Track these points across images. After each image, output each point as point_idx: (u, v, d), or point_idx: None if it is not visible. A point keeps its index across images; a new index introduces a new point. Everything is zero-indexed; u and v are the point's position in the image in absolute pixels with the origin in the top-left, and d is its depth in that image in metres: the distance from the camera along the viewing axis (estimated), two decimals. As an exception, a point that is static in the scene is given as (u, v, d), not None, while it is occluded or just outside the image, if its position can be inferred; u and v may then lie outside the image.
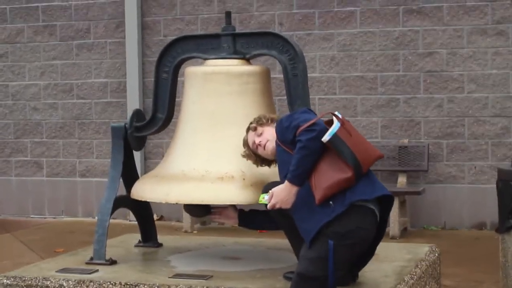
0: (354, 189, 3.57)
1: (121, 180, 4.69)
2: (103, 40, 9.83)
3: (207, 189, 4.15)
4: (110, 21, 9.79)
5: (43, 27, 10.05)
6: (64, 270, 4.31)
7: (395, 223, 8.00)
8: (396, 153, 8.70)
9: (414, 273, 4.26)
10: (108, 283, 4.02)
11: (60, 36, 9.99)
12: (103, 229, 4.50)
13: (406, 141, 8.78)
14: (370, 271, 4.11)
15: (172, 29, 9.51)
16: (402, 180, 8.59)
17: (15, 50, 10.19)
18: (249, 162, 4.11)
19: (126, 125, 4.71)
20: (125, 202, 4.79)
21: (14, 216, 10.10)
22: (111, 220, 4.63)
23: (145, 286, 3.96)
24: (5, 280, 4.20)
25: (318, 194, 3.54)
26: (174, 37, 4.71)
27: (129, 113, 4.92)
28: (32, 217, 10.07)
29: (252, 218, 4.37)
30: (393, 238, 7.95)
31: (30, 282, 4.15)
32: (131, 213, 7.72)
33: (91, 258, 4.49)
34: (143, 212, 5.00)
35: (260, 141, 3.97)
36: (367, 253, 3.83)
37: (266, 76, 4.55)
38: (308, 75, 4.53)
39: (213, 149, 4.30)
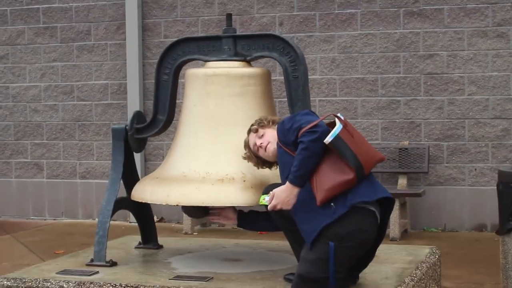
0: (355, 191, 3.57)
1: (121, 181, 4.70)
2: (104, 42, 9.83)
3: (208, 191, 4.15)
4: (111, 23, 9.79)
5: (44, 28, 10.06)
6: (64, 272, 4.32)
7: (396, 225, 8.00)
8: (396, 155, 8.70)
9: (414, 275, 4.26)
10: (109, 284, 4.02)
11: (60, 37, 10.00)
12: (104, 231, 4.50)
13: (406, 143, 8.78)
14: (370, 273, 4.11)
15: (172, 31, 9.51)
16: (402, 182, 8.59)
17: (16, 51, 10.19)
18: (250, 164, 4.11)
19: (127, 127, 4.72)
20: (125, 203, 4.79)
21: (14, 218, 10.10)
22: (112, 222, 4.64)
23: (146, 288, 3.96)
24: (5, 282, 4.20)
25: (320, 196, 3.55)
26: (174, 39, 4.71)
27: (130, 115, 4.93)
28: (32, 218, 10.06)
29: (251, 219, 4.37)
30: (393, 240, 7.94)
31: (30, 283, 4.15)
32: (131, 215, 7.75)
33: (92, 260, 4.49)
34: (144, 213, 5.00)
35: (261, 143, 3.97)
36: (367, 255, 3.83)
37: (266, 78, 4.55)
38: (309, 77, 4.54)
39: (213, 151, 4.30)
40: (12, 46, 10.20)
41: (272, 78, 4.71)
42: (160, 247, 5.02)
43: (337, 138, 3.53)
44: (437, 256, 4.88)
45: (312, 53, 9.03)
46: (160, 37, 9.55)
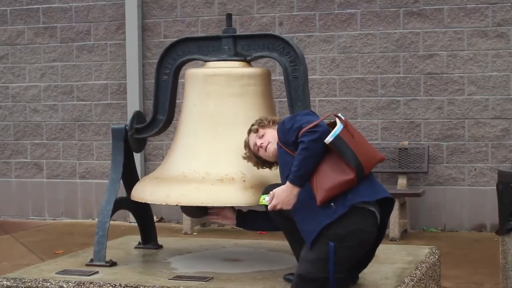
0: (355, 191, 3.57)
1: (121, 181, 4.70)
2: (104, 42, 9.83)
3: (207, 191, 4.15)
4: (111, 23, 9.79)
5: (44, 28, 10.05)
6: (64, 272, 4.32)
7: (395, 225, 8.00)
8: (396, 155, 8.70)
9: (414, 275, 4.26)
10: (108, 284, 4.02)
11: (60, 37, 10.00)
12: (103, 231, 4.50)
13: (406, 143, 8.78)
14: (370, 273, 4.11)
15: (172, 31, 9.51)
16: (402, 182, 8.59)
17: (16, 51, 10.19)
18: (250, 164, 4.11)
19: (127, 127, 4.72)
20: (125, 203, 4.79)
21: (14, 218, 10.10)
22: (111, 222, 4.63)
23: (145, 288, 3.96)
24: (5, 282, 4.19)
25: (320, 196, 3.55)
26: (174, 39, 4.71)
27: (130, 115, 4.93)
28: (32, 218, 10.06)
29: (250, 219, 4.37)
30: (393, 240, 7.94)
31: (30, 283, 4.15)
32: (131, 215, 7.75)
33: (91, 260, 4.49)
34: (143, 213, 5.00)
35: (261, 143, 3.97)
36: (367, 255, 3.83)
37: (266, 78, 4.55)
38: (309, 77, 4.54)
39: (213, 151, 4.30)
40: (12, 46, 10.20)
41: (272, 78, 4.71)
42: (160, 247, 5.02)
43: (337, 138, 3.53)
44: (436, 256, 4.88)
45: (312, 53, 9.03)
46: (160, 37, 9.55)
